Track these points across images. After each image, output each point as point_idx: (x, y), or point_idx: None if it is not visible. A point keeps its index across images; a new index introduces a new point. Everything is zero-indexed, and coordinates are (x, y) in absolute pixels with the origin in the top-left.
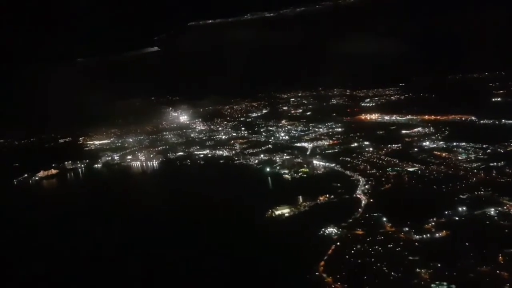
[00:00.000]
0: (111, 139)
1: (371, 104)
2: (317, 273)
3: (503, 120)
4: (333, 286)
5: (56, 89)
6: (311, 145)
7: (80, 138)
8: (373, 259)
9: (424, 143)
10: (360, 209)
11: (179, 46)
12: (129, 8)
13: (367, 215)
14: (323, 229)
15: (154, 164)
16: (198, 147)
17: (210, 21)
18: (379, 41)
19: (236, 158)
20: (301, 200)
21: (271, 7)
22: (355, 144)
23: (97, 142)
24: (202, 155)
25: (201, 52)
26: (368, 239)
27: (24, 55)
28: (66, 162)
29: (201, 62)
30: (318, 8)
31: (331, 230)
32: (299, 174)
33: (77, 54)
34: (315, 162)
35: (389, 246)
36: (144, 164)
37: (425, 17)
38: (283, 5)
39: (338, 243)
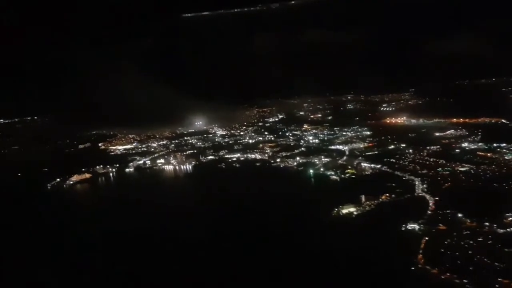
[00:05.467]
0: (134, 144)
1: (390, 109)
2: (419, 266)
3: None
4: (442, 277)
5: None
6: (346, 147)
7: (100, 144)
8: (470, 252)
9: (463, 145)
10: (430, 207)
11: (172, 42)
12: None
13: (440, 212)
14: (403, 225)
15: (188, 168)
16: (226, 151)
17: (206, 12)
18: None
19: (272, 161)
20: (363, 199)
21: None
22: (392, 146)
23: (120, 147)
24: (234, 159)
25: (196, 51)
26: (454, 234)
27: None
28: (97, 167)
29: (196, 64)
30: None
31: (413, 226)
32: (347, 175)
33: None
34: (360, 163)
35: (479, 239)
36: (177, 168)
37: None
38: None
39: (427, 238)
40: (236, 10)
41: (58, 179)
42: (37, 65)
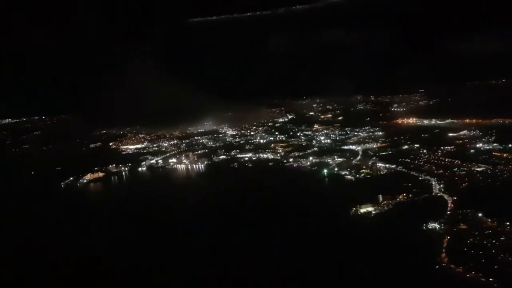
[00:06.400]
0: (145, 144)
1: (401, 109)
2: (444, 264)
3: None
4: (467, 275)
5: None
6: (359, 147)
7: (111, 143)
8: (493, 251)
9: (477, 145)
10: (449, 207)
11: (177, 45)
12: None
13: (460, 212)
14: (424, 225)
15: (201, 167)
16: (238, 150)
17: (214, 17)
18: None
19: (285, 161)
20: (381, 198)
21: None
22: (406, 146)
23: (131, 147)
24: (247, 158)
25: (203, 53)
26: (476, 233)
27: None
28: (110, 166)
29: (204, 65)
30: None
31: (434, 225)
32: (362, 175)
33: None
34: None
35: (502, 239)
36: (190, 167)
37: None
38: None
39: (448, 237)
40: (243, 15)
41: (72, 178)
42: (44, 66)
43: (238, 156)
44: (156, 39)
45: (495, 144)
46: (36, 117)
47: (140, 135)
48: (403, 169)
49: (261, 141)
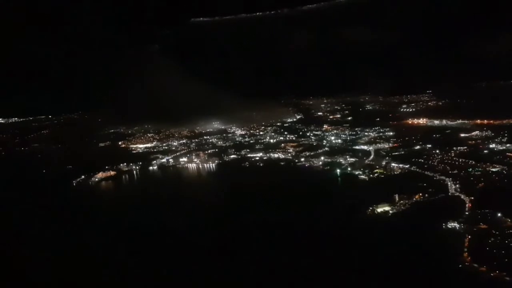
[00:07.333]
0: (154, 143)
1: (410, 110)
2: (467, 264)
3: None
4: (492, 274)
5: None
6: (371, 147)
7: (120, 142)
8: None
9: (491, 146)
10: (467, 206)
11: (181, 46)
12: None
13: (478, 211)
14: (443, 224)
15: (212, 166)
16: (248, 150)
17: (221, 17)
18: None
19: (296, 160)
20: (397, 198)
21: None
22: (418, 146)
23: (141, 146)
24: (257, 158)
25: (205, 53)
26: (496, 233)
27: None
28: (121, 164)
29: (207, 65)
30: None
31: (453, 224)
32: (375, 174)
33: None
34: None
35: None
36: (201, 166)
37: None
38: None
39: (469, 236)
40: (250, 15)
41: (83, 176)
42: (51, 65)
43: (249, 155)
44: (164, 38)
45: (508, 145)
46: (43, 116)
47: (149, 134)
48: (417, 169)
49: (271, 140)
